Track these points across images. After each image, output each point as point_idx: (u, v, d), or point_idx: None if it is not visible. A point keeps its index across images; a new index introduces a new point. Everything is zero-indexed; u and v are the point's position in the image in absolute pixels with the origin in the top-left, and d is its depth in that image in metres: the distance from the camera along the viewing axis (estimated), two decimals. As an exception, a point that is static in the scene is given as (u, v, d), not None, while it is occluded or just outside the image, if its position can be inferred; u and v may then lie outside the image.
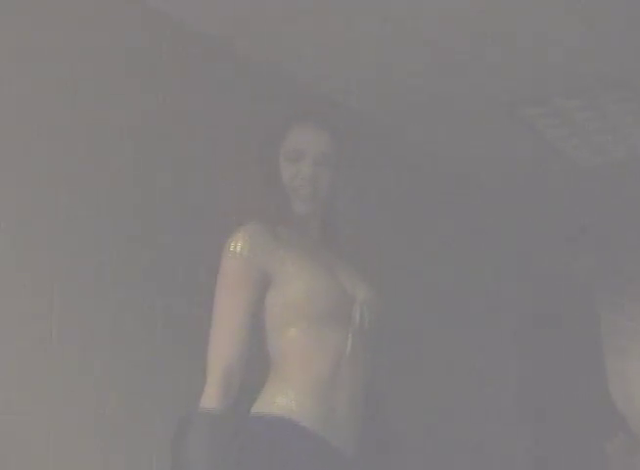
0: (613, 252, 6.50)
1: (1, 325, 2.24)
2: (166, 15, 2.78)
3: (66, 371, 2.37)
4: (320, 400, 1.62)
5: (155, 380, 2.59)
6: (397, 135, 3.92)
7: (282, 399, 1.62)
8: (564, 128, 4.03)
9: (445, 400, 3.93)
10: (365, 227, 3.27)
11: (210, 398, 1.57)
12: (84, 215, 2.50)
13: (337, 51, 3.12)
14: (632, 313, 6.72)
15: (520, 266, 4.96)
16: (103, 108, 2.60)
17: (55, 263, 2.40)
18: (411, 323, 3.66)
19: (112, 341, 2.51)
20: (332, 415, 1.62)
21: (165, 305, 2.68)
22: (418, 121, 3.82)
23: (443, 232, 4.21)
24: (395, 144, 3.98)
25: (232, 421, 1.56)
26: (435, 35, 3.03)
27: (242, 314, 1.63)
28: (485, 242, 4.75)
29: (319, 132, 1.76)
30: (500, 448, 4.28)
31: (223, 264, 1.67)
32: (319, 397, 1.62)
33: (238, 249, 1.65)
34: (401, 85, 3.45)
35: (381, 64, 3.26)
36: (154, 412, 2.55)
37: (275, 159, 1.76)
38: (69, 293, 2.42)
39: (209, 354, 1.63)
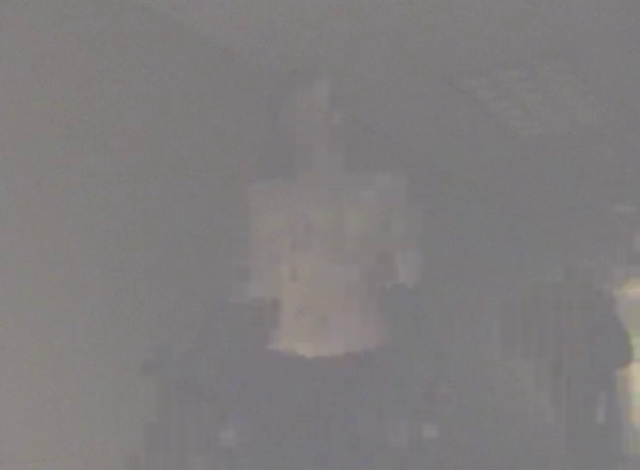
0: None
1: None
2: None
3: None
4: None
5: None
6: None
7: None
8: (503, 100, 4.00)
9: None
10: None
11: None
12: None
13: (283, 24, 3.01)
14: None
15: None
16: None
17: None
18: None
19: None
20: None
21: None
22: (357, 95, 3.75)
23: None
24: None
25: None
26: (374, 9, 2.95)
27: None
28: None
29: (315, 89, 2.06)
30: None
31: None
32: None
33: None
34: (341, 58, 3.38)
35: (320, 37, 3.20)
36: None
37: (282, 119, 2.06)
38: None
39: None
